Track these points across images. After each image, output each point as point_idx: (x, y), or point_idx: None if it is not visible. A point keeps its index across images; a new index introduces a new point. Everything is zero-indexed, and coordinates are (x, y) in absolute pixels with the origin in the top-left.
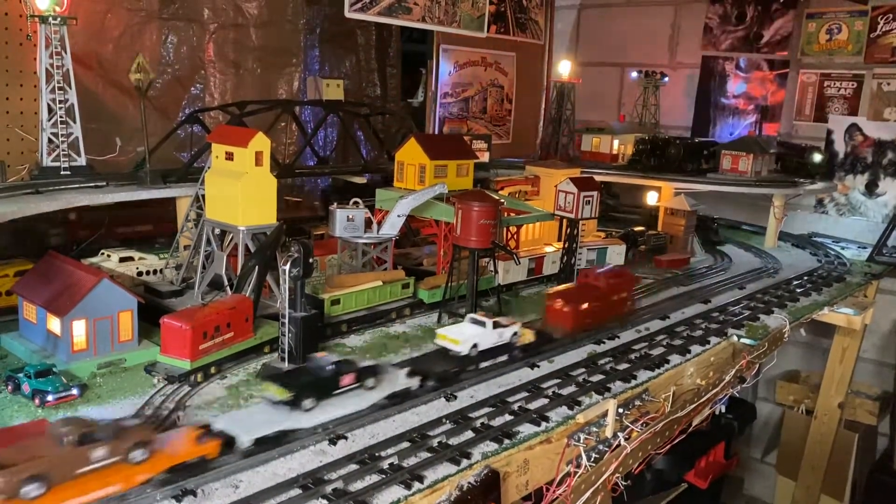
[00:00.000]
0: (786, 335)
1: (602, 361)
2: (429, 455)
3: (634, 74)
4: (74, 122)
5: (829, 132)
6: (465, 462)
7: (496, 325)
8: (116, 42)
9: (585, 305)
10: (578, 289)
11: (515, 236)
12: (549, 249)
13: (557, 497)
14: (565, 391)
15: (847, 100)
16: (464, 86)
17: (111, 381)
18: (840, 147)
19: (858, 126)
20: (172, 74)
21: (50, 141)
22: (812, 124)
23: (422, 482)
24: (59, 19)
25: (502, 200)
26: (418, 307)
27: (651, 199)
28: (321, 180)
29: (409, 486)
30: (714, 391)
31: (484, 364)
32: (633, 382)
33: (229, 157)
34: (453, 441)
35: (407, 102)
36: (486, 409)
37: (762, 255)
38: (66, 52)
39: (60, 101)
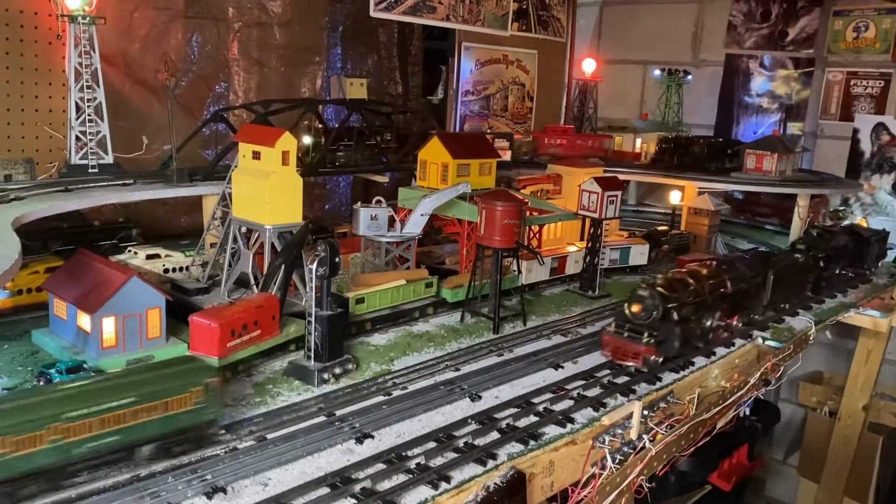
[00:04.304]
0: (811, 337)
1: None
2: (455, 455)
3: (657, 72)
4: (102, 120)
5: (856, 131)
6: (491, 463)
7: None
8: (143, 41)
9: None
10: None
11: (538, 235)
12: (571, 249)
13: (582, 499)
14: (590, 393)
15: (874, 98)
16: (485, 83)
17: None
18: (866, 146)
19: (885, 125)
20: (197, 73)
21: (78, 139)
22: (838, 123)
23: (449, 482)
24: (88, 19)
25: (526, 200)
26: (441, 306)
27: (674, 198)
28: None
29: (436, 487)
30: (739, 394)
31: None
32: (658, 385)
33: (256, 156)
34: (479, 442)
35: (427, 100)
36: (512, 410)
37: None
38: (94, 52)
39: (89, 100)
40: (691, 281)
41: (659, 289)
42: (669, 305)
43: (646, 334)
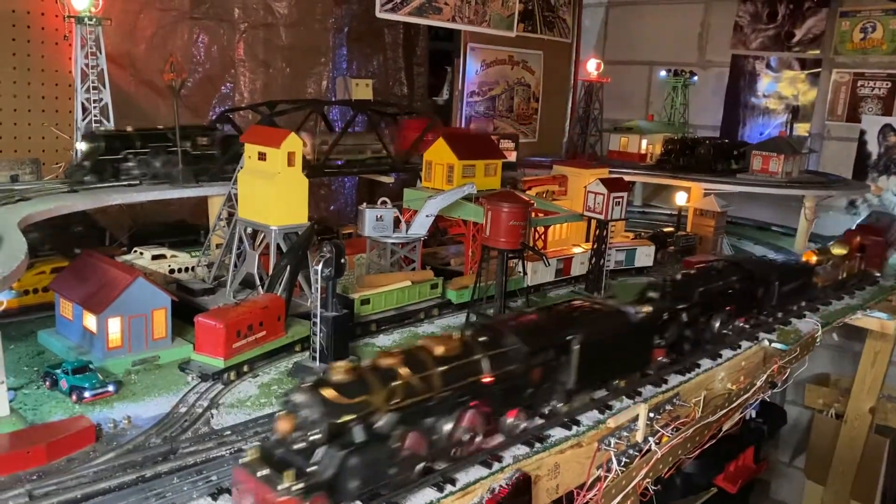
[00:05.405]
0: (818, 340)
1: None
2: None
3: (663, 73)
4: (108, 120)
5: (863, 132)
6: (496, 465)
7: None
8: (149, 42)
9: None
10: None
11: (543, 237)
12: (577, 250)
13: (588, 501)
14: (596, 395)
15: (881, 99)
16: (490, 84)
17: (146, 378)
18: (873, 148)
19: (893, 126)
20: (203, 73)
21: None
22: (845, 124)
23: (454, 485)
24: (94, 20)
25: (532, 201)
26: (446, 307)
27: (680, 199)
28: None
29: (441, 489)
30: (745, 396)
31: None
32: (664, 387)
33: (262, 157)
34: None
35: (432, 101)
36: None
37: (792, 258)
38: (100, 52)
39: (95, 101)
40: (403, 372)
41: (326, 391)
42: (344, 419)
43: (288, 474)
